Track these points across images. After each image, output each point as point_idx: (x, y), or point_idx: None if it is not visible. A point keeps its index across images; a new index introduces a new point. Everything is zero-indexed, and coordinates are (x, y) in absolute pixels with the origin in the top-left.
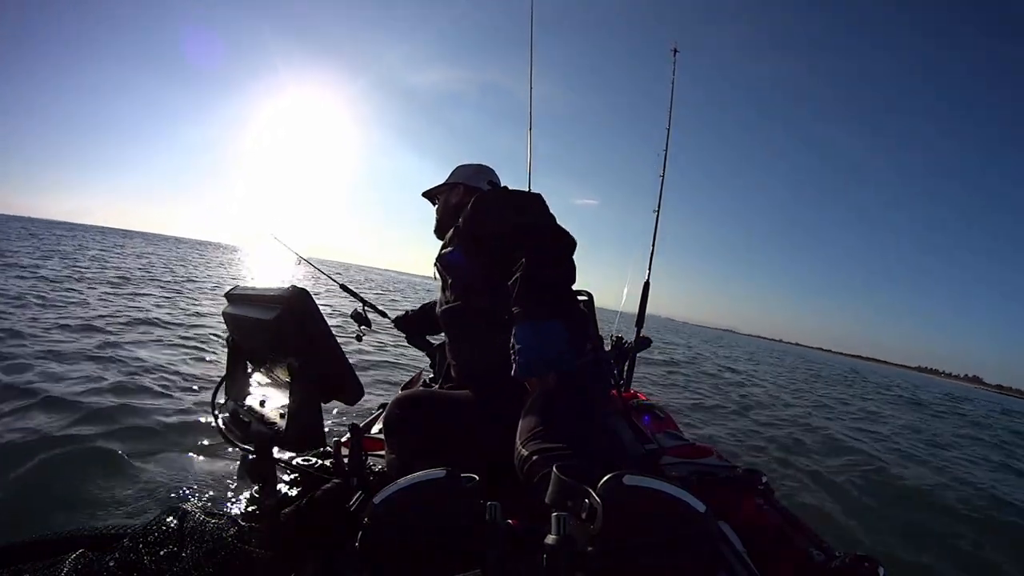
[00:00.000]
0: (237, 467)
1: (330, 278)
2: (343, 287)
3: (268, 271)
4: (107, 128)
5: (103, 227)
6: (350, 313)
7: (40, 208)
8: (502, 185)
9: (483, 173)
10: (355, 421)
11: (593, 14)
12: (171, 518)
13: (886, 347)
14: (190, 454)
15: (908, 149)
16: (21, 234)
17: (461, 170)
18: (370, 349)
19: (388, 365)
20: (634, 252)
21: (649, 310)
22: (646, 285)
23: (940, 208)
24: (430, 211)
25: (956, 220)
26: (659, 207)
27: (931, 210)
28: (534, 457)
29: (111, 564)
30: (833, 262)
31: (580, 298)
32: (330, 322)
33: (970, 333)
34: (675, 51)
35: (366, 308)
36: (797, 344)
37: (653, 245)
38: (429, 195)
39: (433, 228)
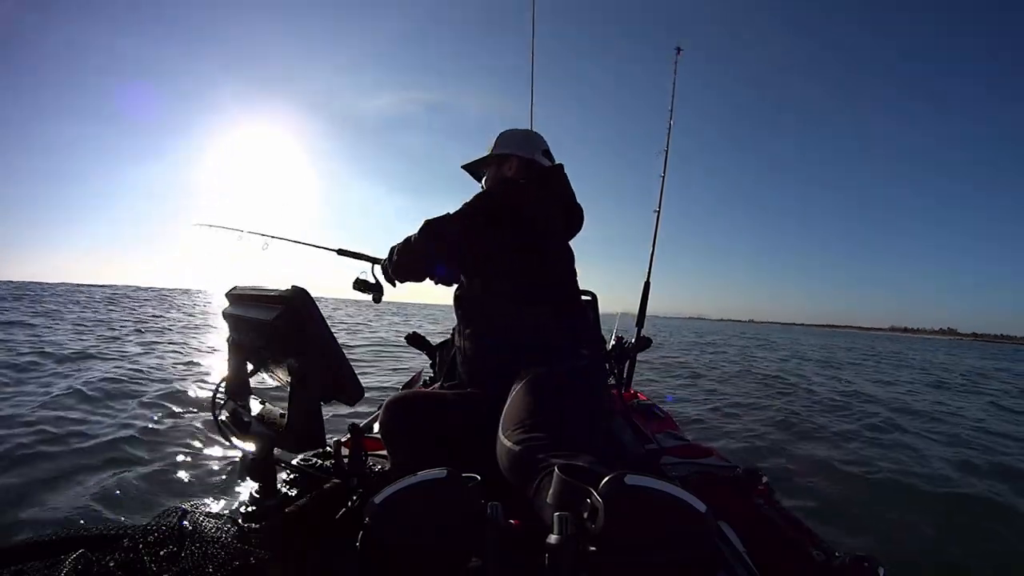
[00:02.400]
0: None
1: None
2: (314, 242)
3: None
4: (47, 185)
5: (96, 285)
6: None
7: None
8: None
9: (534, 141)
10: (355, 421)
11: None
12: (171, 518)
13: (857, 313)
14: (190, 454)
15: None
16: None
17: (508, 137)
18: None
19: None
20: (619, 271)
21: (621, 308)
22: (646, 285)
23: (891, 157)
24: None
25: (907, 168)
26: (660, 207)
27: (880, 162)
28: (517, 448)
29: (111, 564)
30: (795, 239)
31: (583, 298)
32: (330, 322)
33: (927, 286)
34: (679, 50)
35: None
36: (772, 322)
37: (653, 245)
38: (472, 169)
39: None
